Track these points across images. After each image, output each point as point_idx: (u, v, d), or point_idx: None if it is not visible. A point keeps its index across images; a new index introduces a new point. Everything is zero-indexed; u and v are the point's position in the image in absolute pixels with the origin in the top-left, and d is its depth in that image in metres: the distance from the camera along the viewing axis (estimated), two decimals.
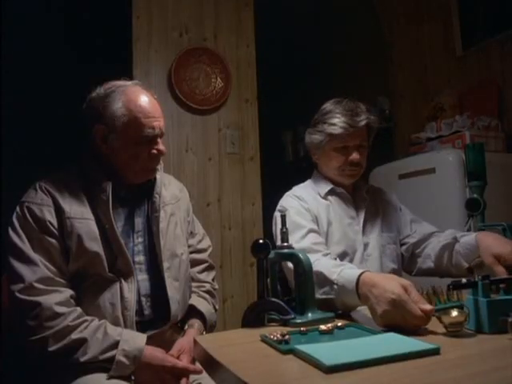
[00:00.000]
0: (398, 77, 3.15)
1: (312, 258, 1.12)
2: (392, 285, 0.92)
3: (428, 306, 0.88)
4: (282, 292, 1.28)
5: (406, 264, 1.52)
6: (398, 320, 0.89)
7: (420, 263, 1.48)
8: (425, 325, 0.88)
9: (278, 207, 1.50)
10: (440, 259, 1.41)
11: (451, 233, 1.44)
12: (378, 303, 0.92)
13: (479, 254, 1.21)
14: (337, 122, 1.42)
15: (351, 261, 1.42)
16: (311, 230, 1.37)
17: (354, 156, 1.45)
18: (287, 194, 1.54)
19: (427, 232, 1.51)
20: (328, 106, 1.50)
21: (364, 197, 1.53)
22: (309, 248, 1.28)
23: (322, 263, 1.18)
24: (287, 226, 1.23)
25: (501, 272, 1.08)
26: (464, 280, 0.89)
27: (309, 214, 1.43)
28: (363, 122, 1.43)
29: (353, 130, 1.42)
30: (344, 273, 1.08)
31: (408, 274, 1.53)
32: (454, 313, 0.84)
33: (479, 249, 1.23)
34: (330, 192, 1.51)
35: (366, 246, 1.46)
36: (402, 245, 1.53)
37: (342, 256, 1.41)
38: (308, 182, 1.59)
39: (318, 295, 1.11)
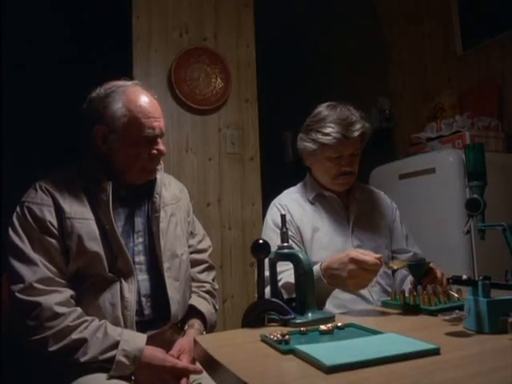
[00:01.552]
0: (398, 77, 3.15)
1: (279, 276, 1.23)
2: (344, 253, 1.14)
3: (377, 255, 1.10)
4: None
5: None
6: (362, 274, 1.08)
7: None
8: (379, 269, 1.09)
9: (266, 216, 1.53)
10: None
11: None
12: (340, 271, 1.11)
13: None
14: (330, 132, 1.38)
15: None
16: None
17: (348, 166, 1.43)
18: (274, 201, 1.54)
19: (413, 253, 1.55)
20: (321, 111, 1.46)
21: (356, 198, 1.52)
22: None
23: (286, 275, 1.27)
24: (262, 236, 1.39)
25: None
26: (465, 276, 0.90)
27: (289, 227, 1.42)
28: (358, 133, 1.40)
29: (347, 140, 1.39)
30: None
31: None
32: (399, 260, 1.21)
33: None
34: (318, 196, 1.51)
35: (358, 248, 1.43)
36: (393, 256, 1.53)
37: None
38: (299, 186, 1.59)
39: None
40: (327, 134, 1.39)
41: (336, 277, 1.13)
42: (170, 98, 2.32)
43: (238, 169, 2.46)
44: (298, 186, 1.59)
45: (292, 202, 1.50)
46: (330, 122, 1.40)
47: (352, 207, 1.50)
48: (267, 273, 1.09)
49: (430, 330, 0.87)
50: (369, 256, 1.09)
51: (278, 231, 1.40)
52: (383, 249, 1.48)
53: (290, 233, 1.41)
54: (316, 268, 1.18)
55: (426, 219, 2.12)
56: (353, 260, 1.09)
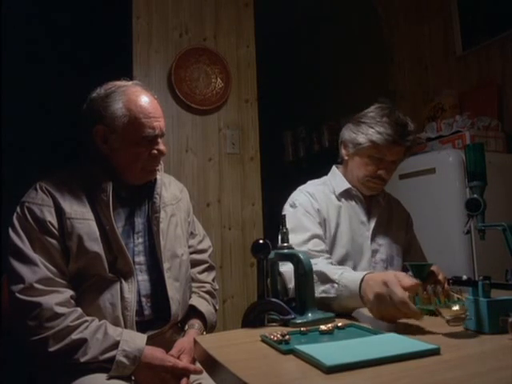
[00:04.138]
0: (397, 77, 3.15)
1: (313, 261, 1.14)
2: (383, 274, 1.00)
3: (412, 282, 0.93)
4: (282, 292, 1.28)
5: None
6: (387, 306, 0.93)
7: None
8: (407, 309, 0.90)
9: (289, 201, 1.47)
10: None
11: None
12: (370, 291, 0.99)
13: None
14: (384, 132, 1.36)
15: (355, 265, 1.41)
16: (315, 236, 1.35)
17: (384, 171, 1.41)
18: (300, 188, 1.52)
19: None
20: (378, 110, 1.43)
21: (380, 203, 1.51)
22: (309, 253, 1.27)
23: (323, 264, 1.21)
24: (292, 223, 1.33)
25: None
26: (465, 277, 0.90)
27: (317, 216, 1.41)
28: (409, 143, 1.40)
29: (395, 145, 1.38)
30: (346, 275, 1.11)
31: None
32: (455, 307, 0.84)
33: None
34: (345, 192, 1.48)
35: (374, 252, 1.44)
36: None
37: (345, 259, 1.40)
38: (325, 178, 1.56)
39: (317, 294, 1.12)
40: (380, 133, 1.36)
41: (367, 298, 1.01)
42: (170, 98, 2.32)
43: (238, 169, 2.46)
44: (324, 178, 1.56)
45: (319, 192, 1.47)
46: (386, 123, 1.37)
47: (374, 211, 1.49)
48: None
49: (429, 330, 0.87)
50: (404, 281, 0.93)
51: (309, 215, 1.39)
52: (399, 256, 1.48)
53: (318, 219, 1.40)
54: (356, 278, 1.06)
55: (426, 219, 2.11)
56: (384, 283, 0.95)
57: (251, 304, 1.03)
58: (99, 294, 1.13)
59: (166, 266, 1.23)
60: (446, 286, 1.17)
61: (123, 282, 1.15)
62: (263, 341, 0.85)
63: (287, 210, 1.45)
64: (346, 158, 1.50)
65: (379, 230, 1.48)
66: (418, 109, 2.89)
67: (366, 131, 1.39)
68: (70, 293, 1.10)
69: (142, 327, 1.16)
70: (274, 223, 1.49)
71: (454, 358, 0.71)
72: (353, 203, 1.49)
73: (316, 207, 1.42)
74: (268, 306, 1.02)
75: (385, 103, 1.47)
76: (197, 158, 2.36)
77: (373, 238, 1.46)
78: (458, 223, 1.95)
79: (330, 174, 1.57)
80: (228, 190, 2.42)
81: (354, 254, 1.41)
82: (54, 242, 1.11)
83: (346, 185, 1.49)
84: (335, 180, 1.52)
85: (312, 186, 1.51)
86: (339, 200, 1.48)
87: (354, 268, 1.40)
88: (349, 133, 1.46)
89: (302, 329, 0.91)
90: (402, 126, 1.38)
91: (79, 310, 1.10)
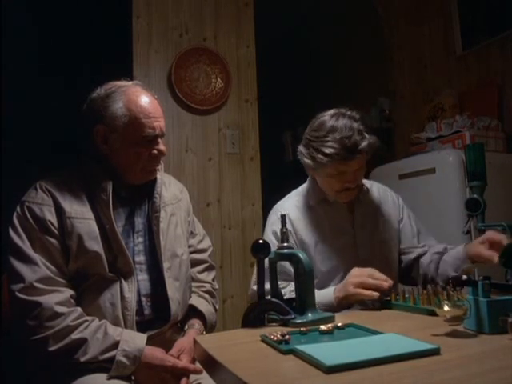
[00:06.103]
0: (397, 77, 3.15)
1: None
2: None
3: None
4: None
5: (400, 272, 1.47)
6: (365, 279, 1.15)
7: (412, 272, 1.46)
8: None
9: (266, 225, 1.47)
10: (427, 268, 1.41)
11: (442, 245, 1.43)
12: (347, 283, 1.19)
13: (468, 261, 1.25)
14: (331, 153, 1.24)
15: (346, 271, 1.31)
16: None
17: (351, 182, 1.32)
18: (275, 208, 1.47)
19: (431, 245, 1.46)
20: (322, 124, 1.30)
21: (361, 201, 1.44)
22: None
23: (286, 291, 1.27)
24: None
25: (489, 255, 1.12)
26: (464, 277, 0.89)
27: (290, 238, 1.33)
28: (364, 151, 1.27)
29: (349, 160, 1.26)
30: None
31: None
32: (455, 307, 0.83)
33: (468, 248, 1.25)
34: (322, 201, 1.42)
35: (364, 254, 1.38)
36: (402, 253, 1.46)
37: (334, 271, 1.35)
38: (302, 189, 1.50)
39: None
40: (327, 155, 1.25)
41: (343, 289, 1.19)
42: (170, 98, 2.32)
43: (238, 169, 2.46)
44: (301, 188, 1.51)
45: (294, 208, 1.42)
46: (332, 141, 1.25)
47: (357, 211, 1.43)
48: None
49: (429, 330, 0.86)
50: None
51: (276, 242, 1.34)
52: (393, 253, 1.44)
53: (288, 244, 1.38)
54: (329, 293, 1.22)
55: (426, 219, 2.11)
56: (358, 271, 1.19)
57: (251, 304, 1.03)
58: (99, 293, 1.13)
59: (165, 265, 1.23)
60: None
61: (123, 281, 1.15)
62: (263, 341, 0.85)
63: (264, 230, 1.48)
64: (313, 176, 1.44)
65: (365, 229, 1.41)
66: (418, 109, 2.89)
67: (315, 155, 1.28)
68: (70, 292, 1.10)
69: (141, 327, 1.16)
70: None
71: (453, 358, 0.71)
72: (332, 210, 1.42)
73: (289, 228, 1.35)
74: (268, 306, 1.02)
75: (336, 109, 1.35)
76: (197, 158, 2.36)
77: (360, 240, 1.40)
78: (458, 223, 1.95)
79: (306, 184, 1.50)
80: (228, 190, 2.42)
81: (340, 264, 1.35)
82: (53, 241, 1.11)
83: (321, 195, 1.42)
84: (311, 191, 1.46)
85: (288, 202, 1.46)
86: (317, 211, 1.42)
87: (345, 275, 1.30)
88: (301, 158, 1.36)
89: (301, 329, 0.90)
90: (348, 138, 1.25)
91: (79, 309, 1.10)
